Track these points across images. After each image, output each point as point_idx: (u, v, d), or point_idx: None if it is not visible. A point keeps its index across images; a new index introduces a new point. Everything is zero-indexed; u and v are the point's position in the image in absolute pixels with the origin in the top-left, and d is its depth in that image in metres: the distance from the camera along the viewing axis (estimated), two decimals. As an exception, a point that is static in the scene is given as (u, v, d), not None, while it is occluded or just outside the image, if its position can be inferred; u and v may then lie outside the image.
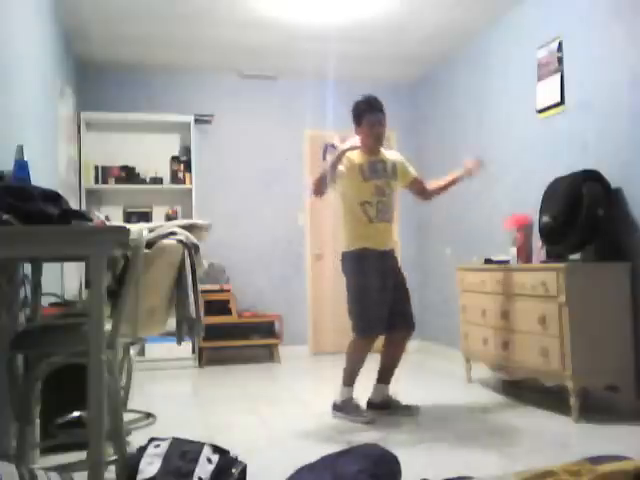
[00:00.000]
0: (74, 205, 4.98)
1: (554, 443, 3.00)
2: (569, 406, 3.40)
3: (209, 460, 2.17)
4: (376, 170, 3.68)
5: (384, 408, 3.68)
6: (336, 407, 3.62)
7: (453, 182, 3.94)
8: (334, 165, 3.56)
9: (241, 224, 6.16)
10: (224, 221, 5.99)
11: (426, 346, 6.22)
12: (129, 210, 5.87)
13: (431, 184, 3.98)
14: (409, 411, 3.64)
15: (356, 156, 3.68)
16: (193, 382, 4.99)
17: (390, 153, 3.90)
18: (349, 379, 3.64)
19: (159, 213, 5.92)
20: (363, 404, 3.68)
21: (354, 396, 3.63)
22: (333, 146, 4.19)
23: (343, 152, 3.57)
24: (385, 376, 3.75)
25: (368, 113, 3.68)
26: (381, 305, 3.58)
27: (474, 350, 4.44)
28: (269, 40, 5.32)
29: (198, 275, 2.59)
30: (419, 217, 6.54)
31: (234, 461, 2.26)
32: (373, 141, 3.69)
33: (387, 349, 3.76)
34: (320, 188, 3.61)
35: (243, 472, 2.25)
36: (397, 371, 3.77)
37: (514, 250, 4.09)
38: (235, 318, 5.71)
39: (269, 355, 5.90)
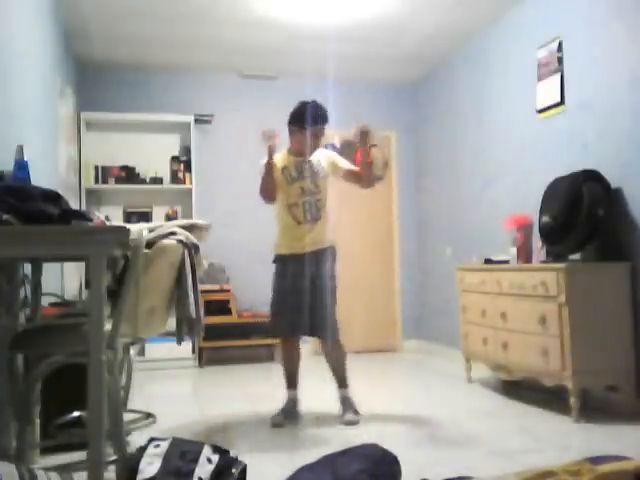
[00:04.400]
0: (74, 205, 4.98)
1: (554, 443, 2.99)
2: (569, 406, 3.40)
3: (209, 460, 2.17)
4: (301, 171, 3.63)
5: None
6: None
7: (364, 157, 3.62)
8: (268, 171, 3.55)
9: (241, 224, 6.16)
10: (224, 221, 5.99)
11: (426, 346, 6.22)
12: (129, 210, 5.87)
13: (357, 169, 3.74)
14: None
15: (281, 158, 3.66)
16: (193, 382, 4.99)
17: (318, 152, 3.74)
18: (286, 382, 3.71)
19: (159, 213, 5.92)
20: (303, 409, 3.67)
21: (295, 398, 3.66)
22: (334, 146, 4.16)
23: (270, 158, 3.53)
24: (335, 380, 3.70)
25: (309, 124, 3.61)
26: (288, 308, 3.57)
27: (474, 350, 4.43)
28: (269, 40, 5.32)
29: (198, 275, 2.60)
30: (419, 217, 6.54)
31: (234, 461, 2.26)
32: (307, 150, 3.63)
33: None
34: (270, 193, 3.59)
35: (243, 472, 2.25)
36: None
37: (514, 250, 4.09)
38: (235, 318, 5.71)
39: (269, 355, 5.90)
